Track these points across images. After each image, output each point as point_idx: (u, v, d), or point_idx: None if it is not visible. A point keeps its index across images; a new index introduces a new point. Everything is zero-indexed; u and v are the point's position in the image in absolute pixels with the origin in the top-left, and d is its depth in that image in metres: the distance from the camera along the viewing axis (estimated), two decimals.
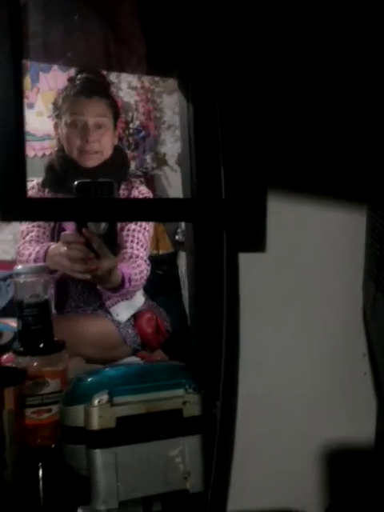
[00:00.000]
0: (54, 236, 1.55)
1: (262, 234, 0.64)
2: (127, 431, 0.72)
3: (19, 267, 0.94)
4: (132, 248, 1.54)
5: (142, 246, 1.56)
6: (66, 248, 1.26)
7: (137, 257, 1.53)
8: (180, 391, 0.75)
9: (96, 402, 0.72)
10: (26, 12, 0.80)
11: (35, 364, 0.89)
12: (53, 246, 1.39)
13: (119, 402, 0.73)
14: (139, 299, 1.68)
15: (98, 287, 1.52)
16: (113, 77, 2.91)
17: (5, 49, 0.48)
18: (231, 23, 0.62)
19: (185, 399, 0.74)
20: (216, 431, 0.63)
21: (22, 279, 0.91)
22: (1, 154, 0.50)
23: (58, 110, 1.56)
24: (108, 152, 1.56)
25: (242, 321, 0.67)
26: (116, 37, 0.98)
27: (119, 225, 1.49)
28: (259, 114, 0.62)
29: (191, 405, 0.74)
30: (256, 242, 0.64)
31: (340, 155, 0.66)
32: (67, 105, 1.52)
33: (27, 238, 1.54)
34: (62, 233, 1.32)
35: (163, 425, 0.74)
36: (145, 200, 0.66)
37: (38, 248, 1.46)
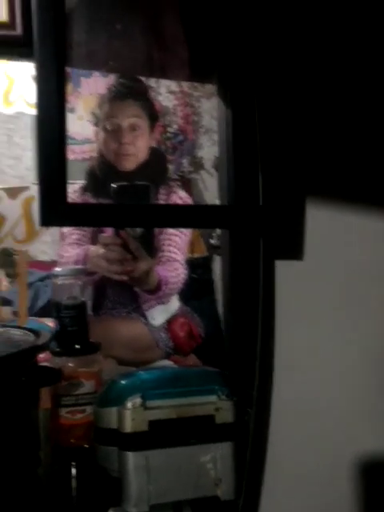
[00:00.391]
0: (94, 239, 1.58)
1: (300, 242, 0.63)
2: (159, 435, 0.72)
3: (58, 269, 0.95)
4: (169, 252, 1.55)
5: (179, 249, 1.57)
6: (103, 250, 1.28)
7: (174, 260, 1.54)
8: (213, 397, 0.75)
9: (129, 404, 0.72)
10: (70, 20, 0.82)
11: (71, 365, 0.91)
12: (93, 248, 1.41)
13: (152, 406, 0.73)
14: (175, 304, 1.69)
15: (136, 289, 1.54)
16: (152, 81, 2.94)
17: (49, 55, 0.49)
18: (271, 28, 0.61)
19: (217, 406, 0.74)
20: (249, 438, 0.63)
21: (59, 281, 0.93)
22: (43, 160, 0.51)
23: (96, 116, 1.59)
24: (143, 154, 1.57)
25: (277, 328, 0.66)
26: (157, 43, 0.99)
27: (157, 228, 1.51)
28: (299, 120, 0.62)
29: (224, 411, 0.74)
30: (293, 249, 0.64)
31: (381, 162, 0.65)
32: (104, 110, 1.55)
33: (68, 240, 1.57)
34: (100, 235, 1.34)
35: (195, 430, 0.74)
36: (181, 206, 0.66)
37: (78, 250, 1.49)
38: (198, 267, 2.20)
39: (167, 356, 1.58)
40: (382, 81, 0.64)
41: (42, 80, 0.50)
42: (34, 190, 1.40)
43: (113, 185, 1.14)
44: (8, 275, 2.82)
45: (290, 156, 0.60)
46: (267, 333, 0.63)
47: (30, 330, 0.89)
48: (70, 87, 3.30)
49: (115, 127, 1.52)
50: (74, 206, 0.53)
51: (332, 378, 0.68)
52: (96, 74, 3.15)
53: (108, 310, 1.62)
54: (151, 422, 0.72)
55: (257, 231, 0.60)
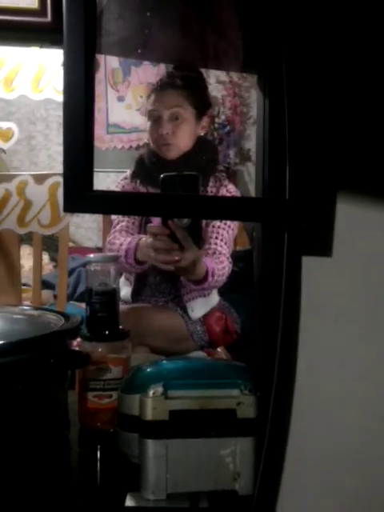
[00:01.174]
0: (142, 227, 1.60)
1: (329, 239, 0.62)
2: (179, 425, 0.73)
3: (91, 255, 0.97)
4: (216, 244, 1.55)
5: (225, 243, 1.57)
6: (151, 239, 1.29)
7: (220, 253, 1.54)
8: (235, 391, 0.74)
9: (151, 393, 0.73)
10: (119, 10, 0.82)
11: (100, 350, 0.93)
12: (144, 238, 1.43)
13: (173, 396, 0.73)
14: (215, 297, 1.69)
15: (182, 279, 1.55)
16: (201, 70, 2.93)
17: (77, 42, 0.50)
18: (304, 20, 0.60)
19: (239, 400, 0.74)
20: (264, 433, 0.62)
21: (92, 267, 0.95)
22: (68, 147, 0.52)
23: (144, 106, 1.60)
24: (187, 144, 1.56)
25: (301, 326, 0.65)
26: (204, 31, 0.98)
27: (205, 221, 1.51)
28: (329, 113, 0.60)
29: (246, 406, 0.74)
30: (322, 245, 0.62)
31: None
32: (150, 100, 1.55)
33: (118, 227, 1.60)
34: (148, 225, 1.35)
35: (216, 423, 0.73)
36: (207, 197, 0.66)
37: (129, 239, 1.51)
38: (239, 260, 2.18)
39: (201, 348, 1.59)
40: None
41: (70, 67, 0.51)
42: (60, 177, 1.42)
43: (161, 175, 1.13)
44: (52, 259, 2.91)
45: (320, 150, 0.58)
46: (289, 330, 0.62)
47: (63, 314, 0.91)
48: (119, 76, 3.34)
49: (157, 117, 1.53)
50: (98, 193, 0.53)
51: (356, 380, 0.66)
52: (146, 62, 3.17)
53: (147, 297, 1.64)
54: (172, 411, 0.73)
55: (282, 225, 0.59)
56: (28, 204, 1.35)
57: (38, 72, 1.42)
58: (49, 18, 0.70)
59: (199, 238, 1.30)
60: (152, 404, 0.72)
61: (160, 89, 1.54)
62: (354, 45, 0.61)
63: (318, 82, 0.58)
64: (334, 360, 0.65)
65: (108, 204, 0.54)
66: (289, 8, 0.58)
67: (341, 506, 0.70)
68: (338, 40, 0.60)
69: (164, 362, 0.83)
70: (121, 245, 1.50)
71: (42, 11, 0.75)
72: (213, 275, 1.44)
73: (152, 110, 1.54)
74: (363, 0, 0.61)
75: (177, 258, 1.27)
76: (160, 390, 0.73)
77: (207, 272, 1.42)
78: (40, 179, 1.35)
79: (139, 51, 0.64)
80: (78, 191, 0.52)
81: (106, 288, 0.93)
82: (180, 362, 0.82)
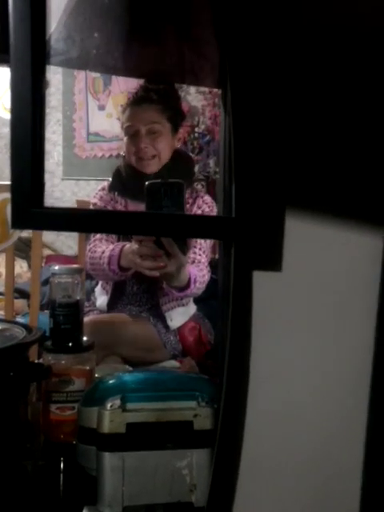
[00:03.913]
0: (120, 235, 1.60)
1: (278, 253, 0.63)
2: (136, 438, 0.73)
3: (56, 267, 0.97)
4: (195, 253, 1.56)
5: (204, 252, 1.58)
6: (137, 246, 1.30)
7: (199, 262, 1.55)
8: (192, 403, 0.75)
9: (109, 406, 0.73)
10: (93, 24, 0.83)
11: (63, 362, 0.93)
12: (127, 245, 1.43)
13: (131, 409, 0.74)
14: (192, 307, 1.70)
15: (164, 288, 1.55)
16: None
17: (24, 60, 0.50)
18: (247, 32, 0.61)
19: (196, 412, 0.74)
20: (215, 444, 0.63)
21: (56, 279, 0.95)
22: (16, 163, 0.52)
23: (121, 121, 1.61)
24: (164, 157, 1.58)
25: (253, 338, 0.66)
26: (177, 47, 0.99)
27: None
28: (278, 129, 0.61)
29: (202, 418, 0.74)
30: (271, 260, 0.63)
31: (361, 176, 0.63)
32: (125, 115, 1.56)
33: (98, 236, 1.60)
34: None
35: (173, 435, 0.74)
36: (163, 215, 0.66)
37: (111, 246, 1.51)
38: (217, 268, 2.20)
39: (174, 358, 1.59)
40: (364, 91, 0.62)
41: (17, 85, 0.51)
42: (8, 194, 1.42)
43: (146, 183, 1.13)
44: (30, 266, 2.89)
45: (268, 167, 0.59)
46: (240, 342, 0.63)
47: (26, 326, 0.92)
48: (100, 85, 3.35)
49: (134, 132, 1.54)
50: (47, 209, 0.54)
51: (307, 391, 0.67)
52: None
53: (123, 306, 1.64)
54: (129, 424, 0.73)
55: (229, 242, 0.60)
56: None
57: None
58: None
59: (184, 245, 1.31)
60: (109, 417, 0.73)
61: (135, 103, 1.55)
62: (301, 61, 0.62)
63: (265, 98, 0.60)
64: (284, 372, 0.66)
65: (57, 221, 0.55)
66: (233, 25, 0.59)
67: None
68: (286, 56, 0.61)
69: (124, 374, 0.84)
70: (103, 252, 1.50)
71: None
72: (195, 282, 1.46)
73: (129, 125, 1.55)
74: (308, 13, 0.62)
75: (162, 264, 1.28)
76: (118, 402, 0.73)
77: (190, 279, 1.43)
78: None
79: (88, 68, 0.65)
80: (27, 208, 0.53)
81: (69, 300, 0.94)
82: (140, 374, 0.82)
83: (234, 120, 0.57)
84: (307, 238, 0.63)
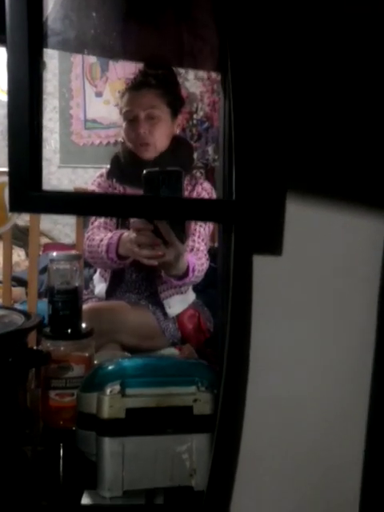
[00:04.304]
0: (118, 222, 1.60)
1: (279, 237, 0.62)
2: (136, 423, 0.73)
3: (54, 254, 0.97)
4: (193, 241, 1.56)
5: (202, 240, 1.58)
6: (135, 234, 1.29)
7: (198, 250, 1.55)
8: (191, 388, 0.75)
9: (108, 391, 0.73)
10: (90, 3, 0.82)
11: (62, 348, 0.93)
12: (125, 233, 1.43)
13: (130, 394, 0.74)
14: (191, 295, 1.70)
15: (162, 275, 1.55)
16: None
17: (21, 40, 0.49)
18: (247, 16, 0.60)
19: (196, 397, 0.74)
20: (214, 430, 0.63)
21: (54, 266, 0.94)
22: (13, 146, 0.52)
23: (119, 106, 1.59)
24: (164, 143, 1.57)
25: (253, 325, 0.65)
26: (176, 30, 0.98)
27: None
28: (278, 112, 0.60)
29: (202, 403, 0.74)
30: (272, 245, 0.63)
31: (362, 159, 0.63)
32: (124, 100, 1.55)
33: (96, 223, 1.60)
34: (132, 220, 1.34)
35: (172, 420, 0.74)
36: (161, 198, 0.66)
37: (110, 234, 1.50)
38: (216, 257, 2.19)
39: (173, 345, 1.59)
40: (361, 75, 0.61)
41: (14, 66, 0.51)
42: (6, 177, 1.41)
43: (144, 171, 1.12)
44: (28, 254, 2.88)
45: (268, 150, 0.59)
46: (240, 327, 0.63)
47: (24, 313, 0.91)
48: (97, 71, 3.32)
49: (132, 117, 1.53)
50: (45, 192, 0.53)
51: (308, 376, 0.67)
52: None
53: (121, 293, 1.64)
54: (129, 409, 0.73)
55: (229, 225, 0.59)
56: None
57: None
58: None
59: (183, 233, 1.30)
60: (109, 402, 0.73)
61: (134, 88, 1.54)
62: (303, 44, 0.61)
63: (266, 82, 0.59)
64: (286, 357, 0.66)
65: (56, 204, 0.54)
66: (234, 7, 0.58)
67: (296, 502, 0.71)
68: (287, 38, 0.60)
69: (124, 360, 0.83)
70: (101, 240, 1.49)
71: None
72: (194, 271, 1.45)
73: (128, 110, 1.53)
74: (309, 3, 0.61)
75: (160, 252, 1.27)
76: (117, 388, 0.73)
77: (189, 267, 1.43)
78: None
79: (86, 51, 0.64)
80: (24, 191, 0.52)
81: (68, 287, 0.93)
82: (139, 360, 0.82)
83: (234, 101, 0.56)
84: (307, 222, 0.63)
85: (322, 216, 0.63)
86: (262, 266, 0.64)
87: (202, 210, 0.60)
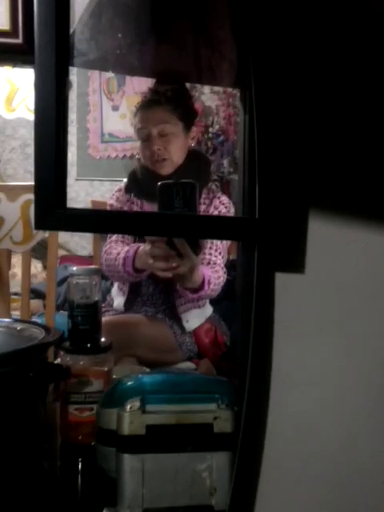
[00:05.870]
0: (137, 237, 1.60)
1: (301, 255, 0.62)
2: (156, 440, 0.73)
3: (74, 268, 0.97)
4: (210, 254, 1.55)
5: (219, 253, 1.57)
6: (150, 246, 1.29)
7: (214, 263, 1.54)
8: (212, 406, 0.75)
9: (128, 407, 0.73)
10: (106, 23, 0.83)
11: (81, 363, 0.93)
12: (142, 246, 1.43)
13: (151, 410, 0.74)
14: (209, 309, 1.69)
15: (178, 289, 1.55)
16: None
17: (48, 63, 0.50)
18: (271, 33, 0.60)
19: (216, 414, 0.74)
20: (235, 448, 0.62)
21: (74, 280, 0.95)
22: (40, 165, 0.52)
23: (133, 125, 1.61)
24: (179, 157, 1.57)
25: (276, 340, 0.65)
26: (192, 48, 0.99)
27: None
28: (302, 130, 0.60)
29: (222, 421, 0.74)
30: (295, 262, 0.63)
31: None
32: (136, 118, 1.56)
33: (114, 237, 1.60)
34: None
35: (192, 438, 0.74)
36: (180, 215, 0.66)
37: (127, 247, 1.51)
38: (233, 269, 2.19)
39: (189, 359, 1.59)
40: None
41: (41, 87, 0.51)
42: (32, 194, 1.44)
43: (158, 183, 1.12)
44: (46, 267, 2.90)
45: (291, 168, 0.59)
46: (262, 345, 0.62)
47: (45, 327, 0.92)
48: (114, 85, 3.36)
49: (145, 136, 1.54)
50: (70, 210, 0.54)
51: (330, 393, 0.66)
52: None
53: (139, 307, 1.64)
54: (149, 426, 0.73)
55: (252, 244, 0.59)
56: (0, 221, 1.36)
57: (10, 91, 1.43)
58: (20, 40, 0.71)
59: (197, 246, 1.30)
60: (129, 418, 0.73)
61: (145, 106, 1.55)
62: (326, 61, 0.61)
63: (289, 98, 0.59)
64: (308, 375, 0.65)
65: (80, 222, 0.55)
66: (257, 25, 0.59)
67: None
68: (310, 56, 0.60)
69: (143, 375, 0.83)
70: (118, 254, 1.50)
71: (13, 32, 0.76)
72: (209, 284, 1.45)
73: (140, 128, 1.55)
74: (333, 15, 0.62)
75: (174, 264, 1.27)
76: (137, 404, 0.73)
77: (204, 280, 1.42)
78: (12, 197, 1.37)
79: (111, 70, 0.65)
80: (50, 209, 0.53)
81: (87, 301, 0.94)
82: (159, 376, 0.82)
83: (257, 119, 0.56)
84: (330, 239, 0.62)
85: (343, 232, 0.63)
86: (285, 282, 0.63)
87: (224, 228, 0.60)
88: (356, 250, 0.63)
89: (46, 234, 1.59)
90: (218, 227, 0.60)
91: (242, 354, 0.75)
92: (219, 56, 1.00)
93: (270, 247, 0.60)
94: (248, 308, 0.67)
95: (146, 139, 1.54)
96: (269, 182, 0.56)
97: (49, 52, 0.51)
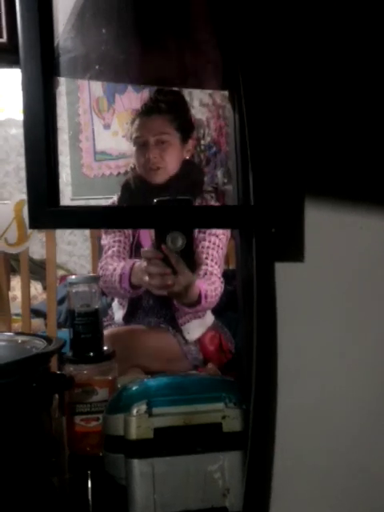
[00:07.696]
0: (132, 250, 1.60)
1: (300, 243, 0.61)
2: (165, 443, 0.71)
3: (73, 277, 0.96)
4: (206, 265, 1.54)
5: (216, 263, 1.57)
6: (145, 264, 1.28)
7: (211, 274, 1.53)
8: (219, 405, 0.73)
9: (134, 411, 0.72)
10: (95, 33, 0.83)
11: (85, 372, 0.91)
12: (137, 262, 1.42)
13: (157, 413, 0.72)
14: (210, 318, 1.68)
15: (175, 303, 1.54)
16: (185, 93, 2.98)
17: (34, 61, 0.50)
18: (257, 29, 0.60)
19: (224, 413, 0.72)
20: (246, 446, 0.61)
21: (74, 289, 0.94)
22: (30, 163, 0.52)
23: (129, 132, 1.61)
24: (173, 168, 1.58)
25: (279, 334, 0.64)
26: (182, 50, 0.99)
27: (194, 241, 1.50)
28: (295, 117, 0.60)
29: (231, 419, 0.72)
30: (293, 251, 0.62)
31: (381, 159, 0.62)
32: (134, 126, 1.57)
33: (109, 253, 1.60)
34: (142, 249, 1.34)
35: (202, 438, 0.72)
36: (175, 207, 0.65)
37: (122, 263, 1.50)
38: (233, 278, 2.18)
39: (195, 368, 1.57)
40: (380, 77, 0.61)
41: (28, 86, 0.51)
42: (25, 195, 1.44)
43: (154, 200, 1.12)
44: (45, 288, 2.89)
45: (286, 156, 0.58)
46: (266, 337, 0.61)
47: (46, 338, 0.90)
48: (104, 104, 3.38)
49: (143, 143, 1.54)
50: (63, 207, 0.53)
51: (338, 386, 0.65)
52: (130, 90, 3.21)
53: (140, 319, 1.63)
54: (156, 429, 0.71)
55: (249, 231, 0.58)
56: None
57: None
58: (4, 39, 0.71)
59: (192, 262, 1.29)
60: (136, 423, 0.71)
61: (145, 114, 1.56)
62: (314, 49, 0.61)
63: (279, 86, 0.59)
64: (313, 364, 0.64)
65: (74, 218, 0.54)
66: (243, 22, 0.59)
67: None
68: (297, 46, 0.60)
69: (146, 380, 0.82)
70: (114, 270, 1.49)
71: None
72: (206, 297, 1.44)
73: (138, 136, 1.55)
74: (319, 11, 0.62)
75: (170, 282, 1.26)
76: (144, 407, 0.72)
77: (200, 295, 1.41)
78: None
79: (97, 68, 0.65)
80: (43, 207, 0.52)
81: (88, 309, 0.93)
82: (164, 379, 0.81)
83: (246, 101, 0.56)
84: (328, 225, 0.62)
85: (341, 218, 0.62)
86: (285, 270, 0.63)
87: (219, 216, 0.59)
88: (354, 236, 0.63)
89: (42, 251, 1.59)
90: (214, 216, 0.59)
91: (247, 346, 0.74)
92: (206, 59, 1.01)
93: (267, 235, 0.59)
94: (249, 299, 0.66)
95: (142, 145, 1.54)
96: (263, 168, 0.56)
97: (34, 50, 0.51)
